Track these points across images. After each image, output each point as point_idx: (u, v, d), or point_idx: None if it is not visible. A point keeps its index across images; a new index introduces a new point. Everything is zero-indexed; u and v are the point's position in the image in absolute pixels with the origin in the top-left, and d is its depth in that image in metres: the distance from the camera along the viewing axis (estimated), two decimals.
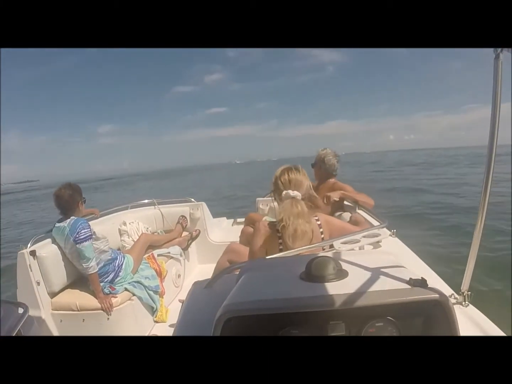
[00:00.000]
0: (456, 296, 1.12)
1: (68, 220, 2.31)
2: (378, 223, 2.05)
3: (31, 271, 2.15)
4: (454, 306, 0.70)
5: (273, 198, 1.69)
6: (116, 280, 2.43)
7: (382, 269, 0.81)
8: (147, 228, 3.41)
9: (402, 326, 0.70)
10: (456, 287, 1.16)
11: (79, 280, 2.45)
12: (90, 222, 2.42)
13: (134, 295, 2.43)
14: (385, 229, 1.88)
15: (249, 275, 0.91)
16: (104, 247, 2.45)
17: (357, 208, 2.61)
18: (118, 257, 2.53)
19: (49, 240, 2.37)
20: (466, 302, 1.10)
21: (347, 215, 2.53)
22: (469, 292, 1.10)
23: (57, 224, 2.34)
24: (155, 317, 2.57)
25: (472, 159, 27.14)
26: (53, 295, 2.31)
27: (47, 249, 2.29)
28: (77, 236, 2.23)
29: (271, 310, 0.69)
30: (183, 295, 1.41)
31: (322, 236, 1.60)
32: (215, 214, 4.08)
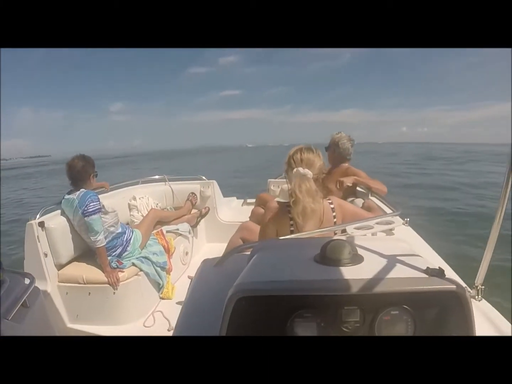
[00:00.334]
0: (469, 290, 1.09)
1: (77, 193, 2.30)
2: (390, 211, 2.04)
3: (39, 242, 2.15)
4: None
5: (286, 179, 1.65)
6: (123, 254, 2.42)
7: (397, 257, 0.80)
8: (157, 204, 3.40)
9: (418, 316, 0.68)
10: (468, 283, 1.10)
11: (86, 253, 2.45)
12: (100, 196, 2.41)
13: (141, 270, 2.43)
14: (398, 217, 1.87)
15: (261, 255, 0.89)
16: (113, 221, 2.43)
17: (370, 195, 2.56)
18: (127, 232, 2.52)
19: (58, 211, 2.36)
20: (479, 296, 1.07)
21: (359, 201, 2.49)
22: (483, 287, 1.07)
23: (67, 196, 2.33)
24: (161, 293, 2.57)
25: (490, 157, 25.75)
26: (60, 267, 2.32)
27: (56, 221, 2.28)
28: (86, 208, 2.22)
29: (285, 291, 0.68)
30: (191, 273, 1.39)
31: (335, 220, 1.57)
32: (226, 194, 4.05)
